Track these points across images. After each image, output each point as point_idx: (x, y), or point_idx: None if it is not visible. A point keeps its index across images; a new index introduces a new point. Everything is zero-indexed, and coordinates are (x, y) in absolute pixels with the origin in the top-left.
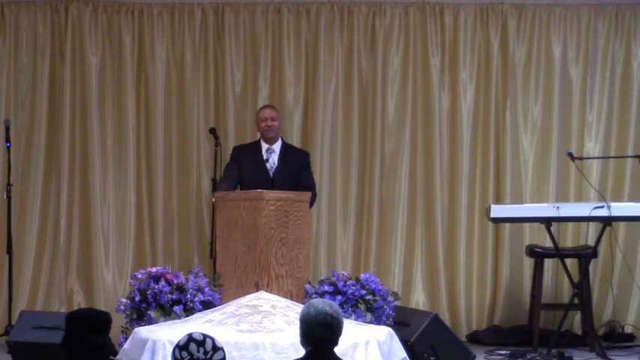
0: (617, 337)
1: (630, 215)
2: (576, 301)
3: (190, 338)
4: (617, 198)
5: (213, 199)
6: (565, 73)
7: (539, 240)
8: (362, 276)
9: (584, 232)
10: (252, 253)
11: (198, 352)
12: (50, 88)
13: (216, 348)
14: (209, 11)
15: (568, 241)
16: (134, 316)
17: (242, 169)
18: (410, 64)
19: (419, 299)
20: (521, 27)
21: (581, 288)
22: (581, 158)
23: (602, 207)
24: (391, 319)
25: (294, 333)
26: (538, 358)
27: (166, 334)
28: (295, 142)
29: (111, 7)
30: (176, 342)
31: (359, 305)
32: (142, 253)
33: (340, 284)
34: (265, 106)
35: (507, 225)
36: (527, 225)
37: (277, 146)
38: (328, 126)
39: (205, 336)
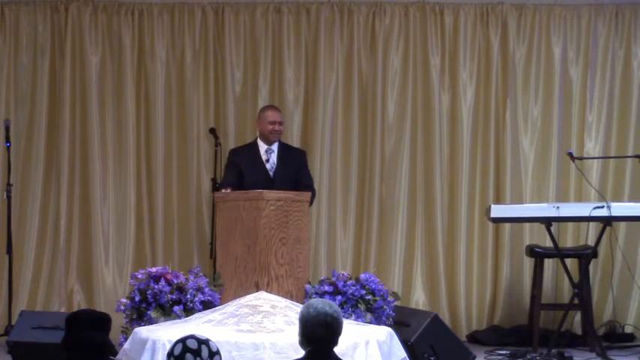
0: (617, 337)
1: (630, 215)
2: (576, 301)
3: (185, 348)
4: (617, 198)
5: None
6: (565, 73)
7: (539, 240)
8: (362, 276)
9: (584, 232)
10: (252, 253)
11: None
12: (50, 88)
13: (212, 354)
14: (209, 11)
15: (568, 241)
16: (134, 316)
17: (242, 172)
18: (410, 64)
19: (419, 299)
20: (521, 27)
21: (581, 288)
22: (581, 158)
23: (602, 207)
24: (391, 319)
25: (294, 333)
26: (538, 358)
27: (166, 334)
28: (295, 142)
29: (111, 7)
30: (170, 347)
31: (359, 305)
32: (142, 253)
33: (340, 284)
34: (271, 108)
35: (507, 225)
36: (527, 225)
37: (275, 146)
38: (328, 126)
39: (200, 342)
